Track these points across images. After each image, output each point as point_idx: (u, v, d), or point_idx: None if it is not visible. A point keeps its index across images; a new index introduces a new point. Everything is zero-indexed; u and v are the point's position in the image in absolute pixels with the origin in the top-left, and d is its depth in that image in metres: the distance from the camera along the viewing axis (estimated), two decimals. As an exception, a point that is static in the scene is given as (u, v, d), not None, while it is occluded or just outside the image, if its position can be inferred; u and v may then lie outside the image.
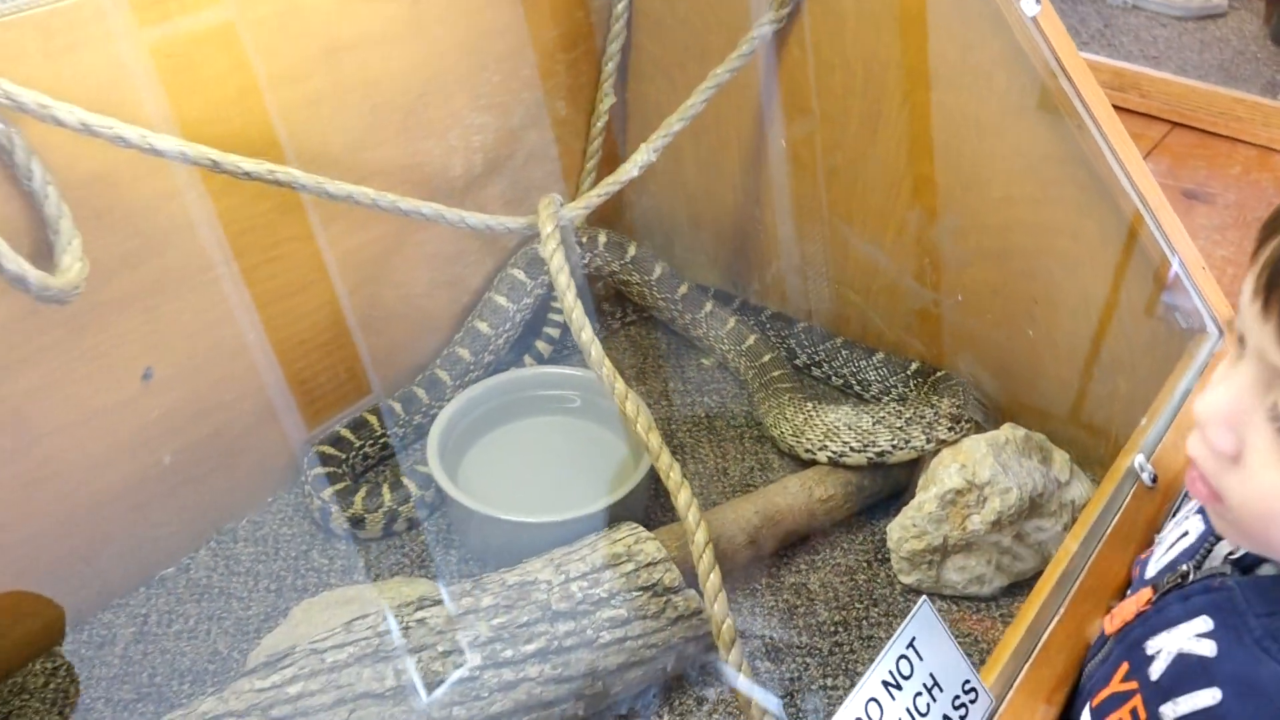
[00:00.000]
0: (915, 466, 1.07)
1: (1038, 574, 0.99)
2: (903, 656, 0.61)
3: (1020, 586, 1.01)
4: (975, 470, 0.98)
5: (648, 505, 1.10)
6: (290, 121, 0.95)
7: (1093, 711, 0.60)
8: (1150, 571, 0.67)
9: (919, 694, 0.61)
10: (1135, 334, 1.01)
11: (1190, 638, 0.55)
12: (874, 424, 1.04)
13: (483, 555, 1.06)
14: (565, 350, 1.30)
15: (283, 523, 1.10)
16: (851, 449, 1.04)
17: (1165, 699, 0.55)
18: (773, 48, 1.13)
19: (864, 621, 1.00)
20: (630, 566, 0.93)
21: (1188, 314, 0.96)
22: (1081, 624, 0.70)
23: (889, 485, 1.10)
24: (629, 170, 1.09)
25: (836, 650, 0.97)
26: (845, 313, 1.25)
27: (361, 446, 1.13)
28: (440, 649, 0.86)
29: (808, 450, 1.08)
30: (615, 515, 1.01)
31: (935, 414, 1.04)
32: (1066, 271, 1.04)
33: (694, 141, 1.25)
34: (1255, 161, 1.76)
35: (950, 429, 1.04)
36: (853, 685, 0.91)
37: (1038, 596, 0.71)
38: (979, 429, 1.06)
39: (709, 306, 1.29)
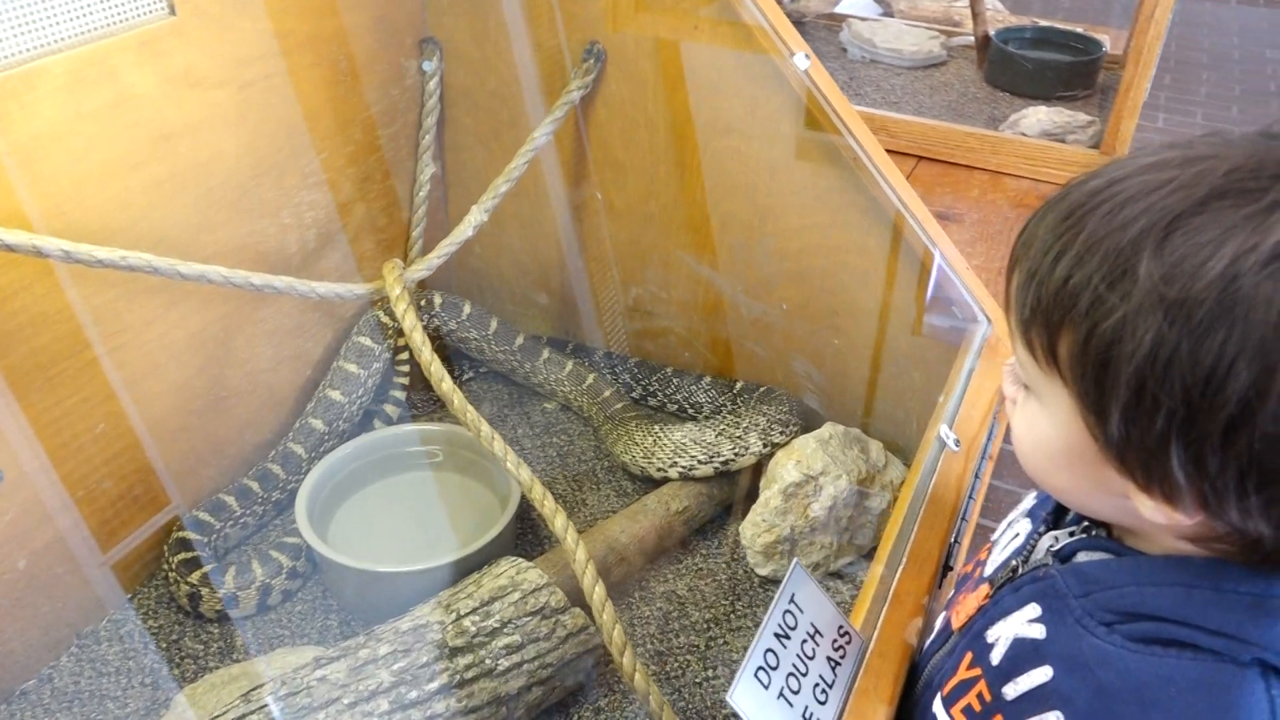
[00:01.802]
0: (756, 471, 1.19)
1: (874, 546, 1.13)
2: (787, 611, 0.71)
3: (862, 560, 1.14)
4: (809, 464, 1.10)
5: (516, 543, 1.16)
6: (130, 209, 0.97)
7: (944, 699, 0.66)
8: (988, 570, 0.72)
9: (804, 641, 0.71)
10: (921, 331, 1.18)
11: (1023, 623, 0.60)
12: (716, 436, 1.15)
13: (364, 613, 1.08)
14: (413, 410, 1.35)
15: (148, 615, 1.08)
16: (700, 461, 1.15)
17: (1006, 680, 0.59)
18: (582, 111, 1.24)
19: (731, 615, 1.09)
20: (516, 595, 0.98)
21: (962, 308, 1.13)
22: (924, 563, 0.83)
23: (735, 491, 1.21)
24: (464, 231, 1.17)
25: (712, 644, 1.06)
26: (672, 344, 1.37)
27: (222, 528, 1.12)
28: (346, 701, 0.88)
29: (660, 469, 1.17)
30: (489, 555, 1.06)
31: (768, 421, 1.16)
32: (859, 284, 1.19)
33: (515, 202, 1.34)
34: (989, 184, 2.04)
35: (782, 432, 1.17)
36: (732, 674, 1.00)
37: (885, 544, 0.83)
38: (805, 431, 1.19)
39: (546, 353, 1.37)
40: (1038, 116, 2.12)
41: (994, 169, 2.08)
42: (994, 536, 0.75)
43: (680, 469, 1.16)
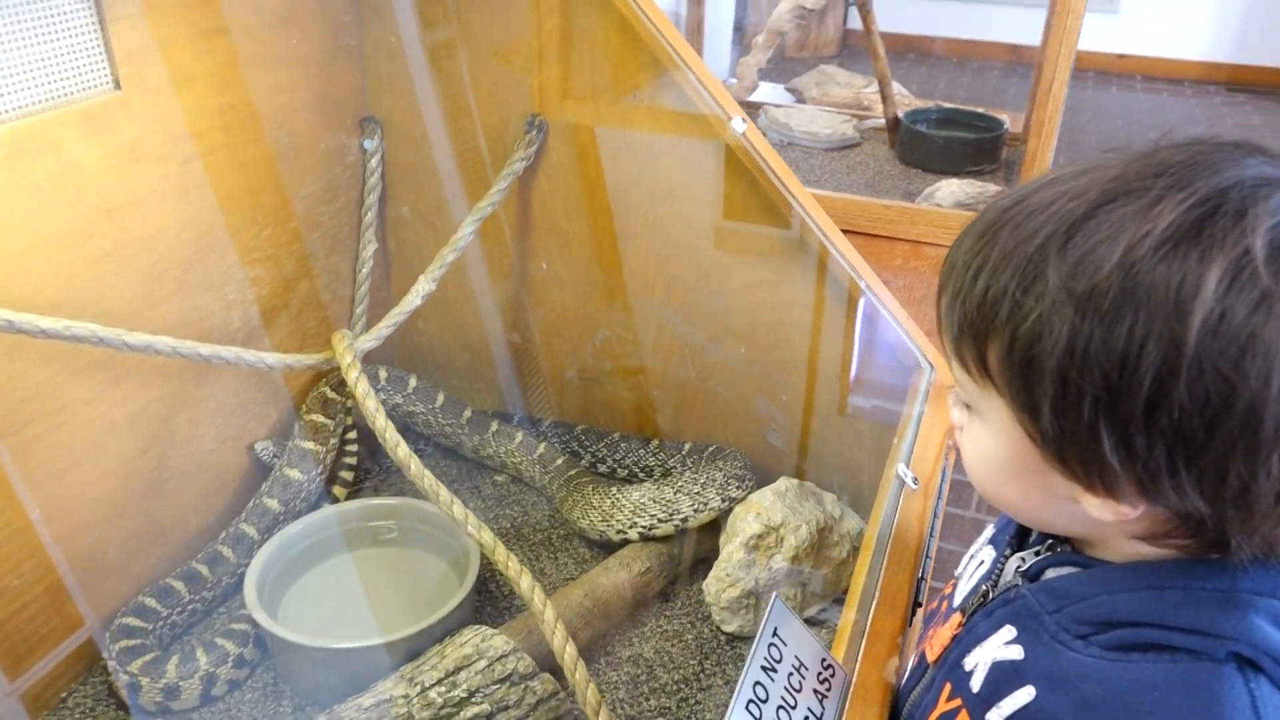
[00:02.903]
0: (715, 530, 1.19)
1: (838, 597, 1.13)
2: (771, 644, 0.71)
3: (832, 605, 1.14)
4: (769, 516, 1.11)
5: (477, 615, 1.13)
6: (74, 282, 0.94)
7: None
8: (957, 600, 0.72)
9: (790, 674, 0.71)
10: (869, 381, 1.21)
11: (999, 646, 0.60)
12: (675, 494, 1.15)
13: (320, 697, 1.03)
14: (365, 485, 1.32)
15: (84, 715, 1.01)
16: (659, 520, 1.14)
17: (989, 706, 0.59)
18: (525, 183, 1.27)
19: (701, 675, 1.08)
20: (483, 664, 0.95)
21: (905, 355, 1.17)
22: (896, 600, 0.83)
23: (695, 551, 1.20)
24: (412, 300, 1.17)
25: (684, 705, 1.04)
26: (622, 409, 1.37)
27: (169, 615, 1.07)
28: (310, 783, 0.84)
29: (620, 531, 1.16)
30: (450, 626, 1.03)
31: (724, 476, 1.16)
32: (804, 338, 1.22)
33: (460, 276, 1.35)
34: (911, 253, 2.12)
35: (739, 487, 1.17)
36: (705, 732, 0.98)
37: (856, 584, 0.83)
38: (758, 487, 1.20)
39: (495, 425, 1.36)
40: (951, 188, 2.23)
41: (913, 239, 2.16)
42: (957, 570, 0.75)
43: (640, 529, 1.15)
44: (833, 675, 0.73)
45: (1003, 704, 0.58)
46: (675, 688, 1.06)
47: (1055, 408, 0.52)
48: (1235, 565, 0.54)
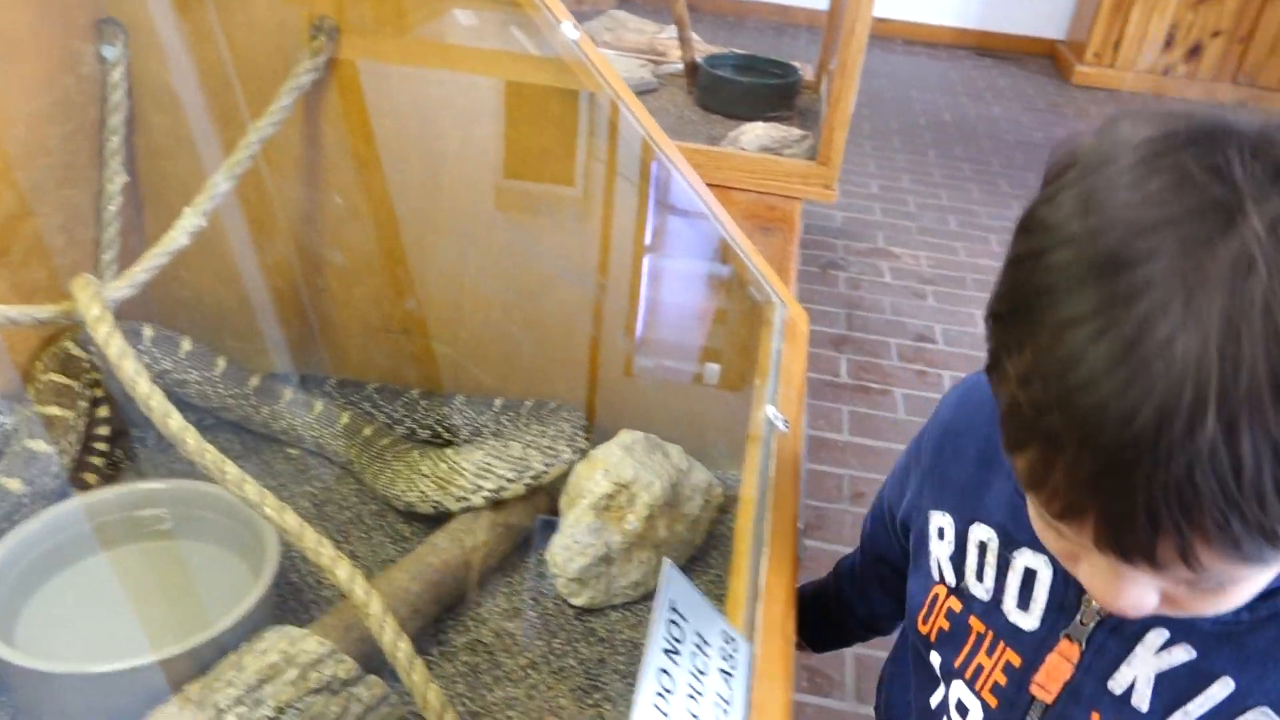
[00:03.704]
0: (554, 496, 1.06)
1: (698, 553, 1.03)
2: (671, 621, 0.59)
3: (689, 566, 1.04)
4: (619, 472, 0.99)
5: (277, 615, 0.94)
6: None
7: None
8: (1029, 624, 0.61)
9: (694, 655, 0.59)
10: (726, 322, 1.11)
11: (1154, 655, 0.54)
12: (524, 449, 1.01)
13: (78, 733, 0.82)
14: (124, 469, 1.08)
15: None
16: (508, 480, 1.00)
17: (1171, 712, 0.54)
18: (313, 100, 1.07)
19: (550, 657, 0.95)
20: (293, 673, 0.78)
21: (761, 292, 1.08)
22: (783, 553, 0.74)
23: (532, 519, 1.07)
24: (177, 239, 0.95)
25: (534, 693, 0.91)
26: (443, 367, 1.21)
27: None
28: None
29: (461, 498, 1.01)
30: (247, 631, 0.84)
31: (571, 428, 1.04)
32: (642, 277, 1.11)
33: (234, 214, 1.13)
34: (719, 196, 2.06)
35: (586, 439, 1.05)
36: (561, 721, 0.86)
37: (742, 537, 0.73)
38: (595, 445, 1.08)
39: (289, 394, 1.16)
40: (755, 133, 2.18)
41: (720, 183, 2.10)
42: (963, 582, 0.65)
43: (488, 492, 1.00)
44: (735, 649, 0.63)
45: (1189, 707, 0.54)
46: (522, 674, 0.93)
47: None
48: None
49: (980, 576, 0.64)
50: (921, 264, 3.15)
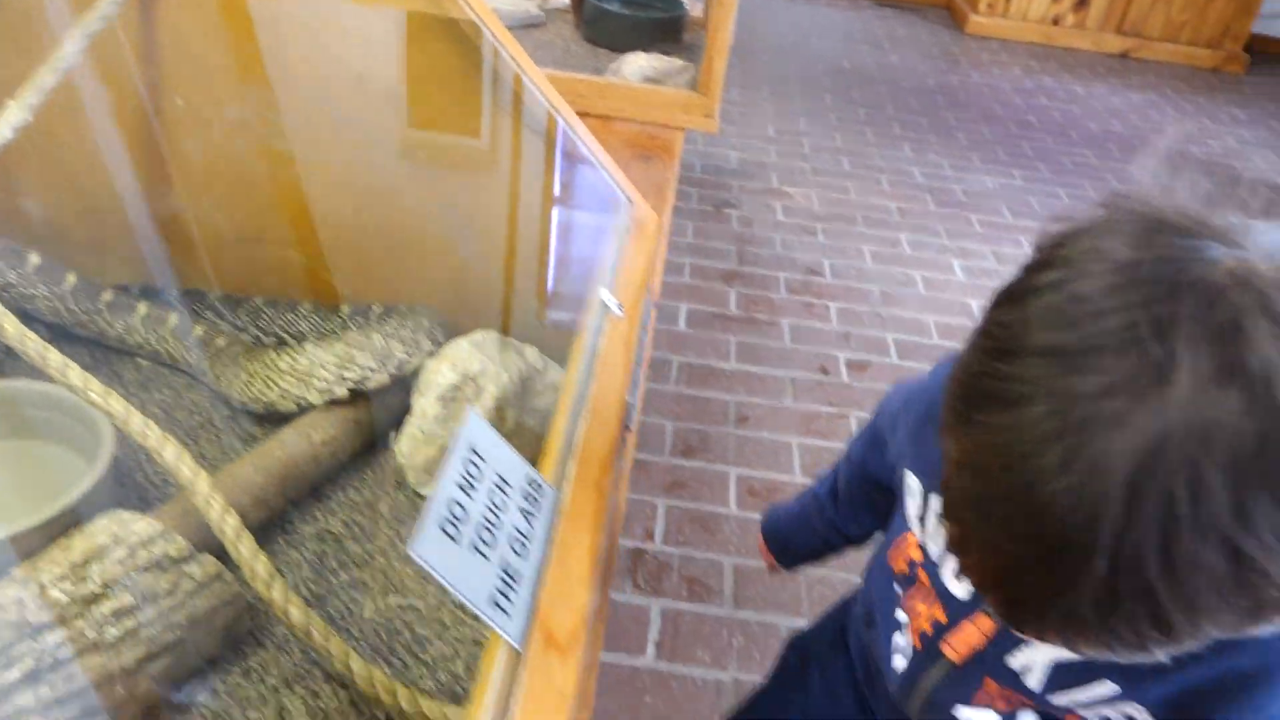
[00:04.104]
0: (404, 391, 1.06)
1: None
2: (469, 461, 0.61)
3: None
4: (465, 365, 1.01)
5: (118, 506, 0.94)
6: None
7: (969, 707, 0.64)
8: (955, 589, 0.65)
9: (493, 491, 0.61)
10: (573, 221, 1.13)
11: (1055, 647, 0.57)
12: (385, 341, 1.02)
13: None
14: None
15: None
16: (371, 370, 1.01)
17: (1057, 695, 0.59)
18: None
19: (396, 542, 0.97)
20: (121, 552, 0.78)
21: (609, 192, 1.09)
22: (605, 418, 0.77)
23: (384, 415, 1.07)
24: (1, 133, 0.92)
25: (379, 576, 0.93)
26: (291, 273, 1.20)
27: None
28: (-124, 717, 0.64)
29: (323, 390, 1.01)
30: (78, 520, 0.84)
31: (430, 324, 1.05)
32: (495, 180, 1.11)
33: (69, 118, 1.10)
34: (600, 127, 2.07)
35: (443, 334, 1.06)
36: (404, 603, 0.88)
37: (565, 399, 0.75)
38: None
39: (144, 309, 1.14)
40: (638, 64, 2.19)
41: (603, 113, 2.11)
42: (920, 536, 0.69)
43: (352, 383, 1.01)
44: (540, 493, 0.65)
45: (1074, 693, 0.58)
46: (367, 558, 0.94)
47: None
48: None
49: (934, 540, 0.68)
50: (814, 202, 3.20)
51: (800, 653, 0.94)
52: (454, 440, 0.61)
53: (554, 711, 0.55)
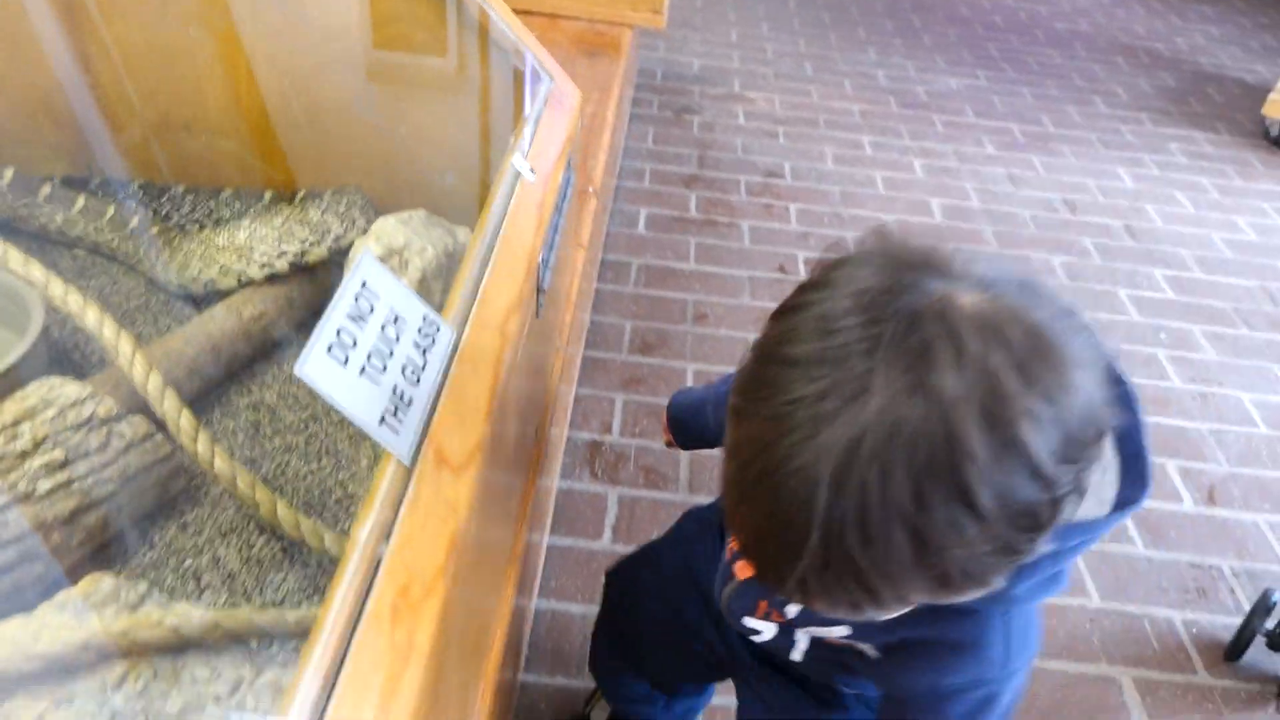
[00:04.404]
0: (338, 272, 1.09)
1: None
2: (359, 295, 0.64)
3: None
4: (391, 239, 1.03)
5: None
6: None
7: (756, 618, 0.74)
8: None
9: (385, 325, 0.64)
10: (491, 97, 1.14)
11: None
12: (323, 215, 1.04)
13: None
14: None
15: None
16: (312, 243, 1.03)
17: (801, 628, 0.70)
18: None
19: (331, 412, 1.00)
20: (51, 412, 0.81)
21: (526, 66, 1.10)
22: (511, 272, 0.79)
23: (317, 293, 1.10)
24: (-92, 12, 0.93)
25: (312, 440, 0.96)
26: (223, 163, 1.21)
27: None
28: None
29: (264, 264, 1.03)
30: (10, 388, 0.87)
31: (362, 200, 1.07)
32: (419, 60, 1.12)
33: (-10, 6, 1.10)
34: (548, 26, 2.06)
35: (375, 212, 1.08)
36: (336, 464, 0.92)
37: (470, 253, 0.78)
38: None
39: (81, 201, 1.15)
40: (585, -41, 2.17)
41: (549, 12, 2.11)
42: None
43: (291, 257, 1.03)
44: (437, 332, 0.68)
45: (818, 629, 0.68)
46: (302, 425, 0.98)
47: None
48: None
49: None
50: (775, 106, 3.19)
51: (697, 523, 0.99)
52: (346, 275, 0.63)
53: (443, 520, 0.58)
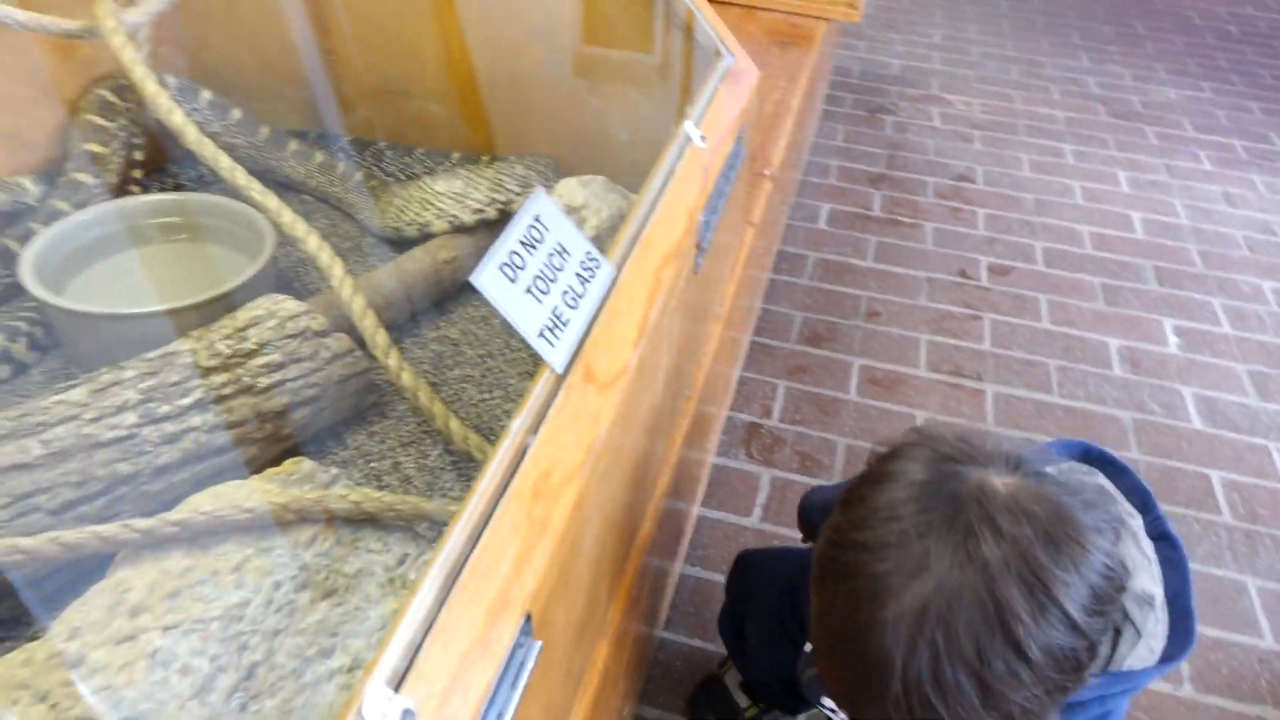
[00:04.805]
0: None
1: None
2: (531, 226, 0.72)
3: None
4: (570, 198, 1.12)
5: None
6: None
7: None
8: None
9: (552, 255, 0.72)
10: (676, 74, 1.21)
11: None
12: (526, 170, 1.15)
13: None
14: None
15: None
16: (516, 194, 1.15)
17: None
18: None
19: (506, 350, 1.10)
20: (273, 321, 0.95)
21: (709, 44, 1.17)
22: (673, 222, 0.86)
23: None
24: (190, -18, 1.09)
25: (488, 374, 1.07)
26: (434, 124, 1.34)
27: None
28: (88, 417, 0.83)
29: (478, 210, 1.16)
30: (243, 300, 1.01)
31: (542, 166, 1.17)
32: (611, 37, 1.21)
33: (250, -18, 1.27)
34: (744, 17, 2.12)
35: (555, 174, 1.18)
36: (508, 395, 1.01)
37: (636, 206, 0.85)
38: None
39: (294, 145, 1.31)
40: (784, -45, 2.21)
41: (746, 4, 2.16)
42: None
43: (499, 205, 1.16)
44: (597, 267, 0.76)
45: None
46: (479, 360, 1.08)
47: None
48: None
49: None
50: (974, 110, 3.12)
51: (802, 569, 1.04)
52: (521, 210, 0.72)
53: (586, 426, 0.66)
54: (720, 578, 1.54)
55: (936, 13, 3.81)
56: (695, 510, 1.55)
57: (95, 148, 1.16)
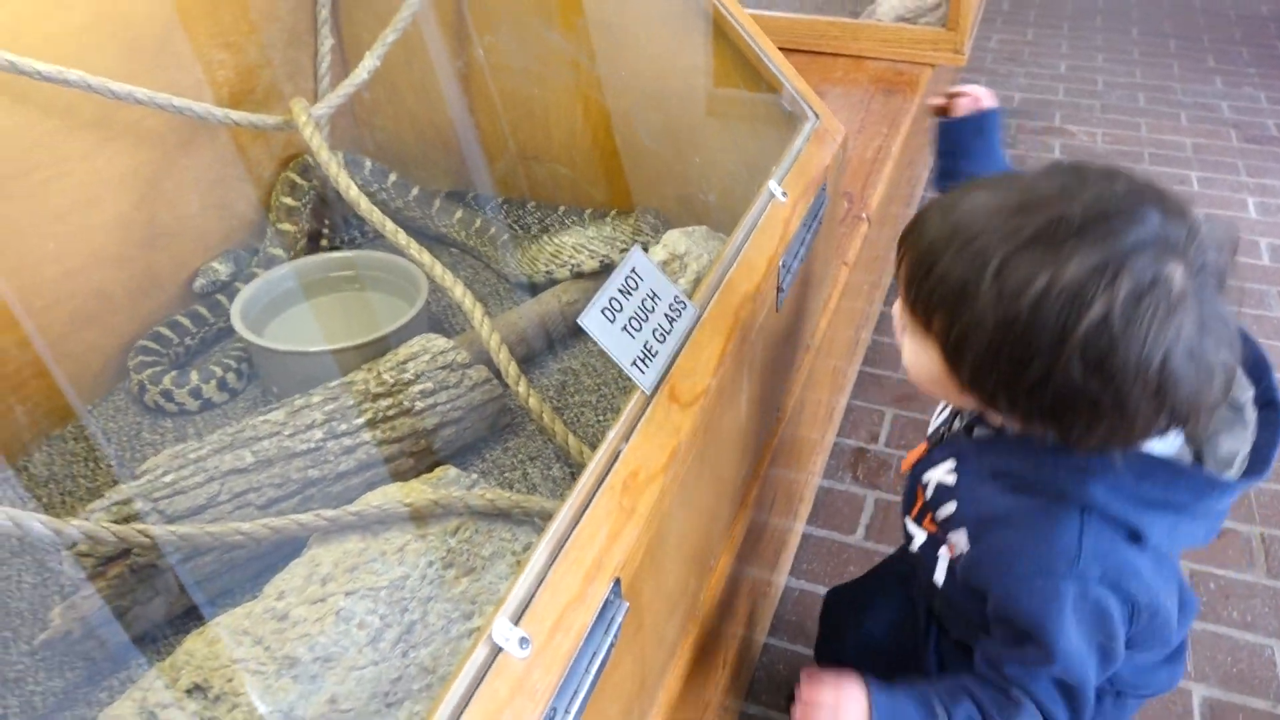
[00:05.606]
0: (635, 271, 1.37)
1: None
2: (629, 276, 0.89)
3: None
4: (674, 247, 1.29)
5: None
6: (60, 47, 1.11)
7: (912, 519, 0.92)
8: (929, 432, 0.97)
9: (645, 299, 0.89)
10: (765, 134, 1.37)
11: (945, 473, 0.86)
12: (637, 224, 1.34)
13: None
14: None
15: (109, 419, 1.22)
16: (626, 246, 1.34)
17: (935, 509, 0.87)
18: (462, -27, 1.41)
19: (621, 378, 1.28)
20: (427, 356, 1.15)
21: (796, 108, 1.32)
22: (753, 268, 1.02)
23: (618, 289, 1.39)
24: (359, 74, 1.33)
25: (603, 400, 1.24)
26: (560, 184, 1.54)
27: (180, 342, 1.28)
28: (286, 433, 1.05)
29: (595, 260, 1.35)
30: (402, 339, 1.22)
31: (651, 218, 1.35)
32: (709, 106, 1.38)
33: (407, 69, 1.50)
34: (851, 67, 2.25)
35: (664, 226, 1.36)
36: (617, 417, 1.18)
37: (721, 253, 1.01)
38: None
39: (438, 203, 1.54)
40: (891, 3, 2.34)
41: (854, 54, 2.29)
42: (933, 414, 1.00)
43: (616, 255, 1.34)
44: (684, 308, 0.92)
45: (939, 511, 0.86)
46: (596, 388, 1.26)
47: (972, 374, 0.75)
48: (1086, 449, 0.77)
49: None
50: (1098, 141, 3.14)
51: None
52: (621, 264, 0.89)
53: (669, 437, 0.82)
54: (822, 589, 1.66)
55: (1063, 43, 3.83)
56: (799, 527, 1.68)
57: (287, 226, 1.41)
